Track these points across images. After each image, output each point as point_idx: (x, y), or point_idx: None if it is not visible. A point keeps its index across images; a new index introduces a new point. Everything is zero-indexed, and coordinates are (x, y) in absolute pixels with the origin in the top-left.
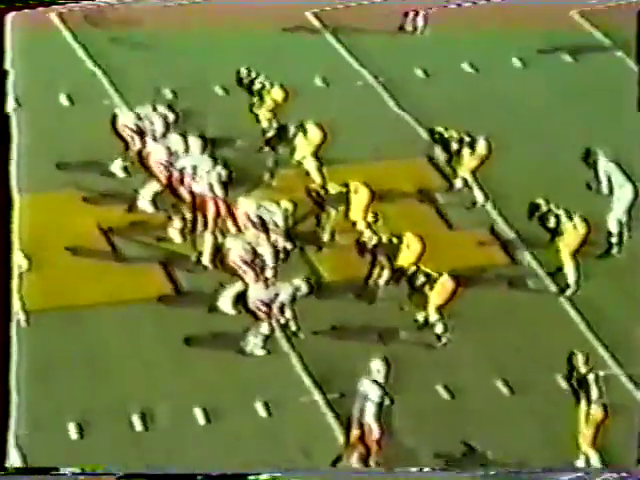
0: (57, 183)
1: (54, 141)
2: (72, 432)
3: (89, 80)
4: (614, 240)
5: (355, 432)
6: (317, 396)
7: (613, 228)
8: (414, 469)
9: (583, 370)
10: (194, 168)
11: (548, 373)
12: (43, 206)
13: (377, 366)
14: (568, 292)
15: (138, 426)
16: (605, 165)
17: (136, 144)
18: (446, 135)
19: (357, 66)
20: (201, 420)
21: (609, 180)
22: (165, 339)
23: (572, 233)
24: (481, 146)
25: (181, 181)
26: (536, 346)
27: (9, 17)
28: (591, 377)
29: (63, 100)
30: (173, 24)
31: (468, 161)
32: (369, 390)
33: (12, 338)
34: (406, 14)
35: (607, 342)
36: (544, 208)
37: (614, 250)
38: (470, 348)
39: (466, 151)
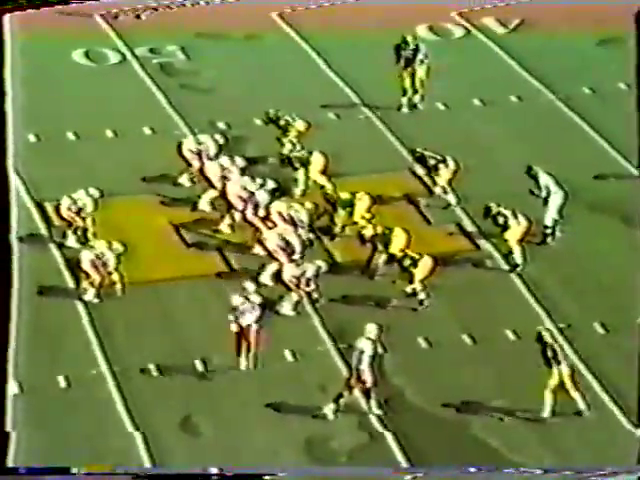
0: (139, 189)
1: (140, 160)
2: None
3: (165, 115)
4: (549, 232)
5: (353, 377)
6: (331, 346)
7: (549, 223)
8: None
9: (551, 342)
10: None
11: (501, 329)
12: (128, 207)
13: (370, 328)
14: (517, 270)
15: (200, 368)
16: (544, 178)
17: (197, 163)
18: (425, 154)
19: (358, 102)
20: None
21: (547, 188)
22: (221, 304)
23: (516, 227)
24: (451, 163)
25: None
26: (492, 309)
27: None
28: (557, 347)
29: (147, 130)
30: (227, 72)
31: (444, 174)
32: (364, 346)
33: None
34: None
35: (545, 305)
36: (495, 210)
37: (549, 239)
38: (444, 311)
39: (442, 166)
